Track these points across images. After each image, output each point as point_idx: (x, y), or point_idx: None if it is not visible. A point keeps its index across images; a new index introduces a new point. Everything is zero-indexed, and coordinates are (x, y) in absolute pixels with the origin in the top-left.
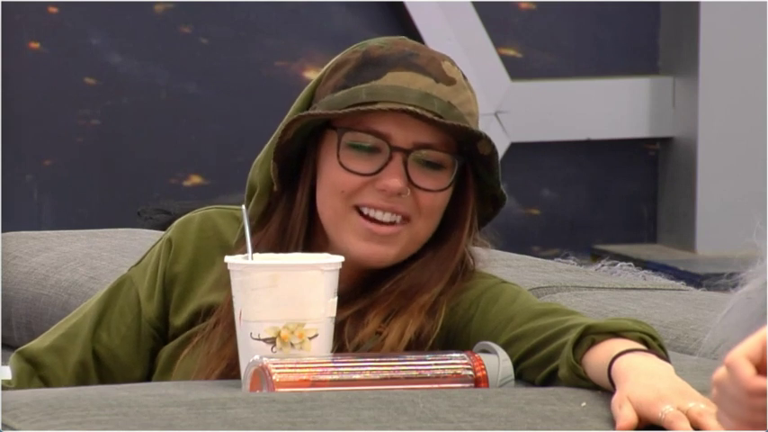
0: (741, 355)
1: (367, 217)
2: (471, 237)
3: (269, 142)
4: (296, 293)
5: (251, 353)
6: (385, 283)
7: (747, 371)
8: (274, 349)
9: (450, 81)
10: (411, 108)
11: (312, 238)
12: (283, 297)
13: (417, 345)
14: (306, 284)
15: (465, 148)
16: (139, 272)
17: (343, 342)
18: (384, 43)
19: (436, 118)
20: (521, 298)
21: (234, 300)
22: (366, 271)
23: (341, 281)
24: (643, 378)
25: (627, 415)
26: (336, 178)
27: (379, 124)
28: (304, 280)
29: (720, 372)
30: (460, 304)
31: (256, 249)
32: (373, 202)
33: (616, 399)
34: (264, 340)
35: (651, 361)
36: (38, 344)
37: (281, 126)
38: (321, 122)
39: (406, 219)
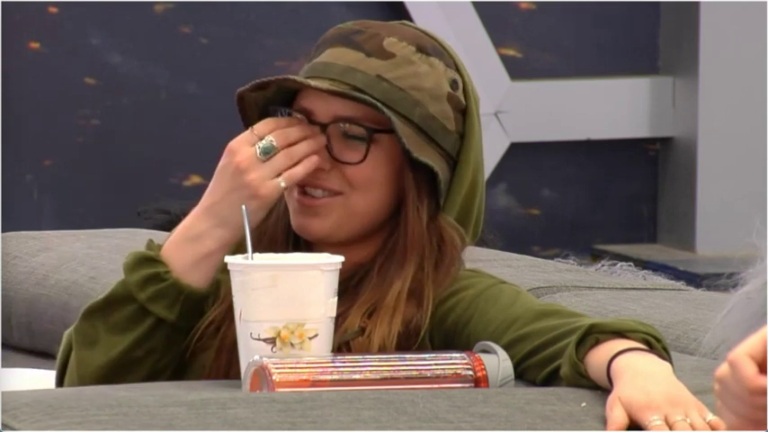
0: (743, 353)
1: (305, 194)
2: (424, 212)
3: None
4: (296, 293)
5: (251, 353)
6: (364, 283)
7: (750, 369)
8: (274, 349)
9: (386, 55)
10: (311, 83)
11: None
12: (283, 297)
13: (407, 336)
14: (306, 284)
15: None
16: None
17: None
18: (346, 24)
19: (327, 86)
20: (521, 299)
21: (234, 300)
22: (354, 267)
23: None
24: (637, 379)
25: (617, 417)
26: None
27: (307, 102)
28: (304, 280)
29: (723, 368)
30: (459, 304)
31: (261, 237)
32: (308, 180)
33: (609, 399)
34: (264, 340)
35: (649, 361)
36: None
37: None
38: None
39: (337, 194)
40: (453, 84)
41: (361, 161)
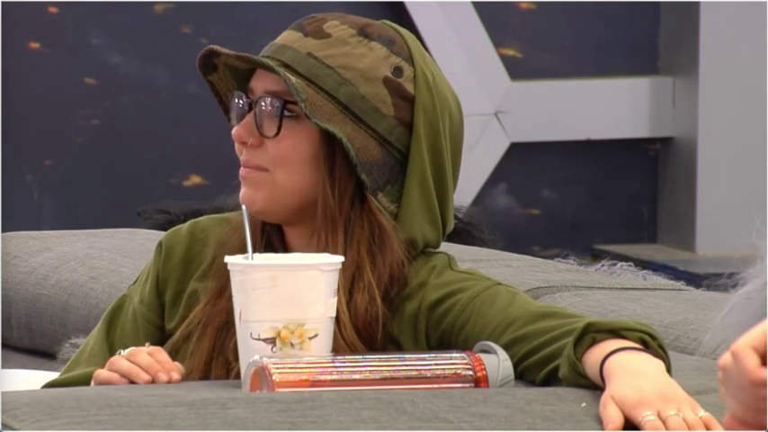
0: (746, 344)
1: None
2: (336, 184)
3: None
4: (296, 293)
5: (251, 353)
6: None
7: (752, 361)
8: (274, 349)
9: (322, 36)
10: (226, 51)
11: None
12: (283, 297)
13: (367, 325)
14: (306, 284)
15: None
16: (136, 288)
17: None
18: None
19: (235, 53)
20: (518, 300)
21: (234, 300)
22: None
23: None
24: (629, 377)
25: (612, 415)
26: None
27: (252, 81)
28: (304, 280)
29: (725, 357)
30: (455, 306)
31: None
32: (242, 159)
33: (602, 398)
34: (264, 340)
35: (641, 359)
36: (64, 377)
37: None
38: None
39: (262, 170)
40: (396, 70)
41: (276, 134)
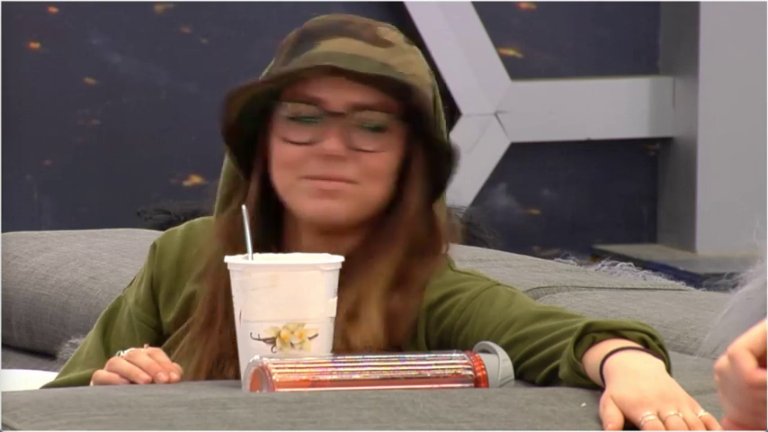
0: (743, 346)
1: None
2: (423, 197)
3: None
4: (296, 293)
5: (251, 353)
6: (356, 264)
7: (749, 363)
8: (274, 349)
9: (385, 43)
10: (337, 65)
11: (283, 220)
12: (283, 297)
13: (397, 324)
14: (306, 284)
15: (405, 106)
16: (131, 289)
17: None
18: (320, 18)
19: (365, 72)
20: (518, 300)
21: (234, 300)
22: (350, 254)
23: None
24: (629, 377)
25: (612, 415)
26: (281, 152)
27: (314, 91)
28: (304, 280)
29: (723, 360)
30: (455, 307)
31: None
32: (318, 173)
33: (601, 398)
34: (264, 340)
35: (641, 359)
36: (62, 379)
37: (222, 106)
38: (266, 102)
39: (353, 182)
40: (429, 73)
41: (385, 149)
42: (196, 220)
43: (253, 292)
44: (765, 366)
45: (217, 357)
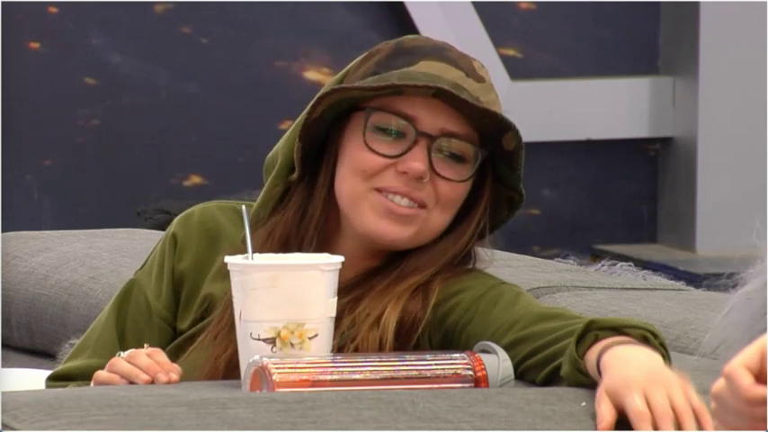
0: (739, 364)
1: (386, 198)
2: (478, 234)
3: (296, 121)
4: (296, 293)
5: (251, 353)
6: (384, 271)
7: (746, 380)
8: (274, 349)
9: (479, 78)
10: (448, 89)
11: (327, 222)
12: (283, 297)
13: (406, 329)
14: (306, 284)
15: (489, 144)
16: (145, 275)
17: (342, 331)
18: (417, 37)
19: (473, 101)
20: (522, 300)
21: (234, 299)
22: (371, 260)
23: (346, 269)
24: (621, 367)
25: (603, 413)
26: (360, 158)
27: (408, 107)
28: (304, 280)
29: (719, 384)
30: (459, 305)
31: (272, 232)
32: (393, 186)
33: (597, 394)
34: (264, 340)
35: (636, 350)
36: (69, 365)
37: (311, 103)
38: (349, 105)
39: (422, 206)
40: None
41: (465, 180)
42: (210, 204)
43: (253, 292)
44: (763, 383)
45: (234, 360)
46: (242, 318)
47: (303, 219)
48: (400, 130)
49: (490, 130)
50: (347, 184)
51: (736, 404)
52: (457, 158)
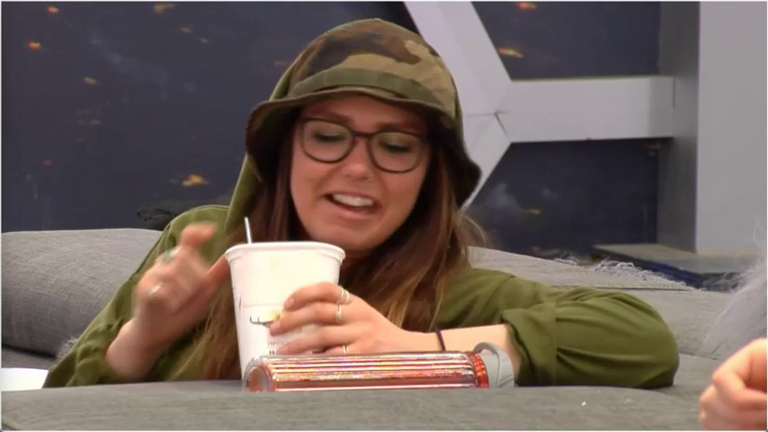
0: (728, 370)
1: (338, 203)
2: (452, 212)
3: None
4: (296, 275)
5: (250, 337)
6: (377, 272)
7: (736, 385)
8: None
9: (413, 59)
10: (368, 91)
11: (294, 223)
12: (283, 279)
13: (415, 328)
14: (306, 265)
15: (432, 125)
16: (143, 276)
17: None
18: (348, 27)
19: (394, 98)
20: (541, 288)
21: (234, 290)
22: (360, 261)
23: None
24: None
25: None
26: (304, 167)
27: (340, 109)
28: (304, 261)
29: (708, 392)
30: (477, 302)
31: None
32: (342, 188)
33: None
34: (264, 323)
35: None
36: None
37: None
38: (288, 113)
39: (376, 204)
40: (452, 82)
41: (410, 170)
42: (206, 208)
43: (252, 276)
44: (753, 388)
45: (231, 359)
46: (241, 304)
47: (268, 223)
48: (337, 133)
49: (426, 114)
50: (299, 194)
51: (727, 411)
52: (399, 149)
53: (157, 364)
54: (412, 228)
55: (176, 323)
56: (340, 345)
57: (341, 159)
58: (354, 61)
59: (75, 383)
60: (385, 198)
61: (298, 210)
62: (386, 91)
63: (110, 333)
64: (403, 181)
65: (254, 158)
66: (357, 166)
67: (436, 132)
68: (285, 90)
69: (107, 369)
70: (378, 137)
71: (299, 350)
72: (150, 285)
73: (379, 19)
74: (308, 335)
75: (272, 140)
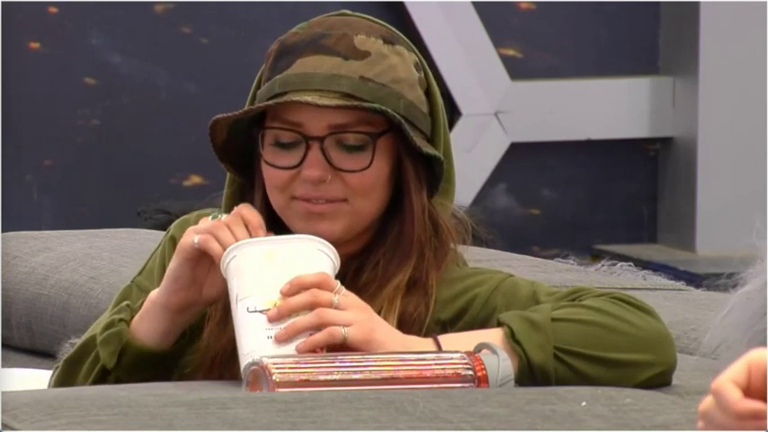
0: (726, 380)
1: (308, 200)
2: (424, 202)
3: None
4: (292, 265)
5: (247, 328)
6: (365, 272)
7: (735, 394)
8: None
9: (362, 55)
10: (309, 98)
11: (276, 222)
12: (279, 270)
13: (410, 325)
14: (301, 255)
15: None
16: (147, 277)
17: None
18: (302, 27)
19: (332, 103)
20: (539, 287)
21: (230, 290)
22: (349, 260)
23: None
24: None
25: None
26: (268, 175)
27: (293, 114)
28: (300, 251)
29: (706, 401)
30: (475, 301)
31: None
32: (304, 193)
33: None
34: (261, 311)
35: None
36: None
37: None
38: (252, 119)
39: (344, 200)
40: (417, 66)
41: (367, 167)
42: (206, 211)
43: (248, 270)
44: (751, 397)
45: (229, 354)
46: (238, 299)
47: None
48: (293, 139)
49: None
50: (272, 197)
51: (725, 420)
52: (356, 148)
53: (180, 340)
54: (393, 222)
55: (209, 286)
56: (337, 325)
57: (299, 164)
58: (301, 65)
59: (95, 360)
60: (351, 195)
61: (275, 210)
62: (332, 92)
63: (131, 309)
64: (364, 178)
65: (229, 164)
66: (312, 170)
67: (395, 123)
68: (255, 96)
69: (131, 337)
70: (330, 138)
71: (297, 331)
72: (194, 236)
73: (345, 11)
74: (305, 316)
75: (246, 143)
